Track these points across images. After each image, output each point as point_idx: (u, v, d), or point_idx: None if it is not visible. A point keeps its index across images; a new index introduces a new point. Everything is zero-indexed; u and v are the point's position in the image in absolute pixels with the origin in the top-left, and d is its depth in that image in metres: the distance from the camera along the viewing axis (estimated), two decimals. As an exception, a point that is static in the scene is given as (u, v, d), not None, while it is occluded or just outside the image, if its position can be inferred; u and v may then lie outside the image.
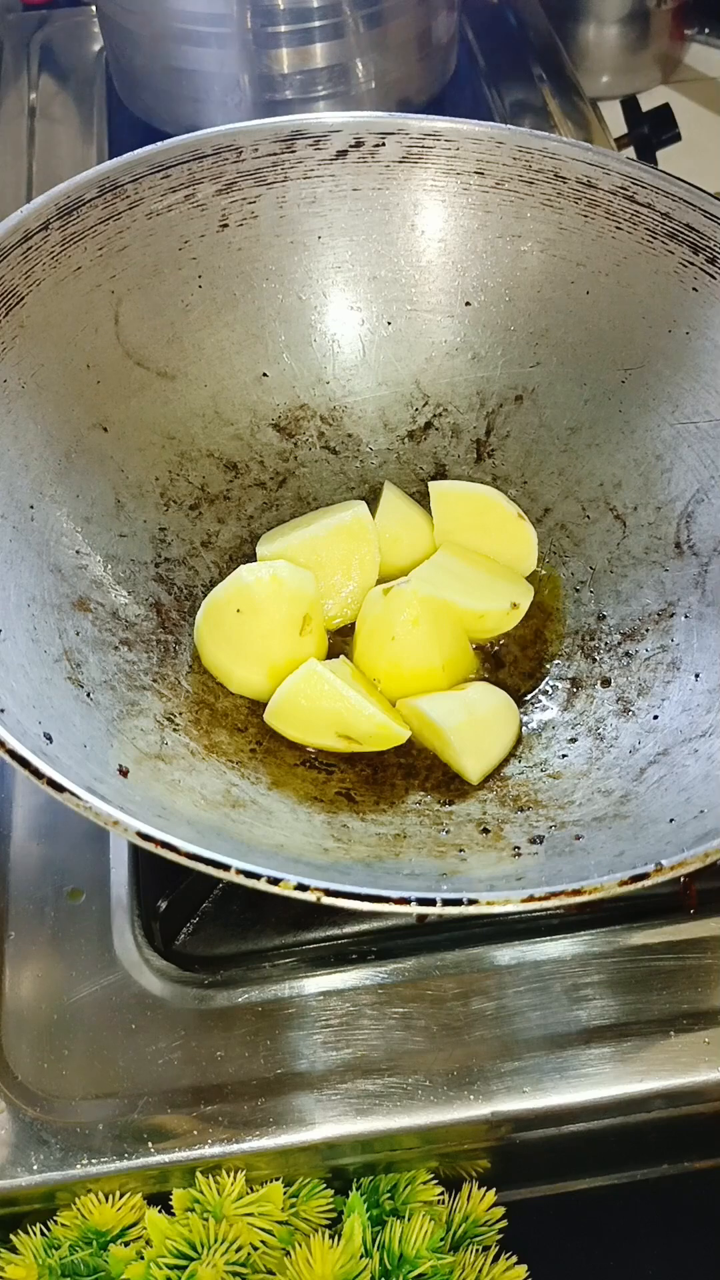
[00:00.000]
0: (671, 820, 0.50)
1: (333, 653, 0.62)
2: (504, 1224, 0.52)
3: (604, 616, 0.62)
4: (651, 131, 1.03)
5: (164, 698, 0.58)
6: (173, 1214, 0.50)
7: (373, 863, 0.52)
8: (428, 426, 0.69)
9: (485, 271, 0.67)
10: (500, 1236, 0.52)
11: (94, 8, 1.09)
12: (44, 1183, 0.50)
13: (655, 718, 0.57)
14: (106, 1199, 0.50)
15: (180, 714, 0.57)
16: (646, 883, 0.43)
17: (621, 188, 0.64)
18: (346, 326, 0.68)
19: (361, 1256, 0.49)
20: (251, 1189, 0.50)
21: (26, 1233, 0.51)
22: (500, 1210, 0.52)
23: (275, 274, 0.67)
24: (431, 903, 0.41)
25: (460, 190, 0.67)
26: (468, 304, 0.68)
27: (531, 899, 0.42)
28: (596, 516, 0.65)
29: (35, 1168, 0.50)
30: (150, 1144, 0.50)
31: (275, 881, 0.42)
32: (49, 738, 0.48)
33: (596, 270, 0.65)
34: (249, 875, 0.42)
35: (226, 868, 0.42)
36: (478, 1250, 0.51)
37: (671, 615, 0.60)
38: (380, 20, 0.88)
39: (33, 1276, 0.49)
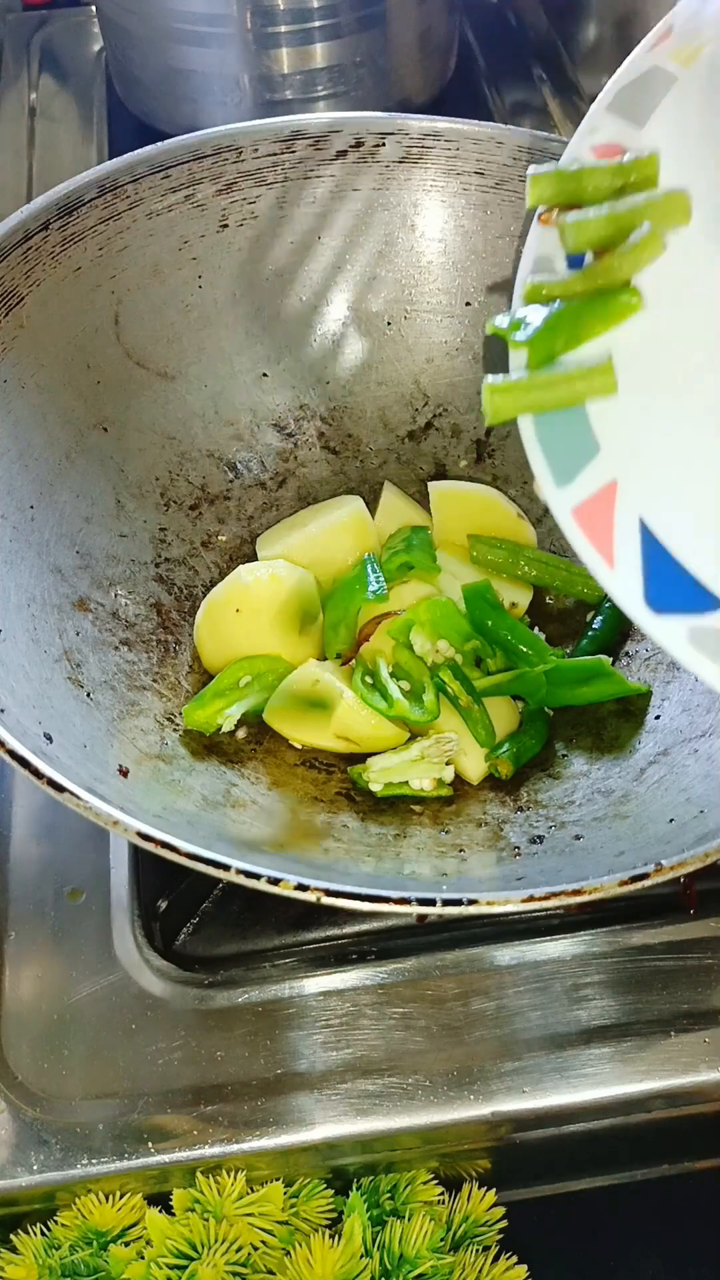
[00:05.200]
0: (671, 820, 0.50)
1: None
2: (504, 1224, 0.52)
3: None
4: (651, 131, 1.02)
5: (164, 698, 0.58)
6: (173, 1214, 0.50)
7: (373, 863, 0.52)
8: (428, 426, 0.69)
9: (485, 271, 0.67)
10: (500, 1236, 0.52)
11: (94, 8, 1.09)
12: (44, 1183, 0.50)
13: (656, 718, 0.57)
14: (106, 1199, 0.50)
15: (180, 714, 0.57)
16: (646, 883, 0.43)
17: (621, 188, 0.64)
18: (346, 326, 0.69)
19: (361, 1256, 0.49)
20: (252, 1189, 0.50)
21: (26, 1233, 0.51)
22: (500, 1210, 0.52)
23: (275, 274, 0.67)
24: (431, 903, 0.41)
25: (460, 190, 0.67)
26: (468, 304, 0.68)
27: (531, 899, 0.42)
28: (596, 516, 0.65)
29: (35, 1168, 0.50)
30: (150, 1144, 0.50)
31: (275, 881, 0.42)
32: (49, 738, 0.48)
33: (596, 270, 0.65)
34: (249, 875, 0.42)
35: (226, 868, 0.42)
36: (478, 1250, 0.51)
37: (671, 615, 0.60)
38: (380, 20, 0.88)
39: (33, 1276, 0.49)
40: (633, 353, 0.44)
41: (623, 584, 0.40)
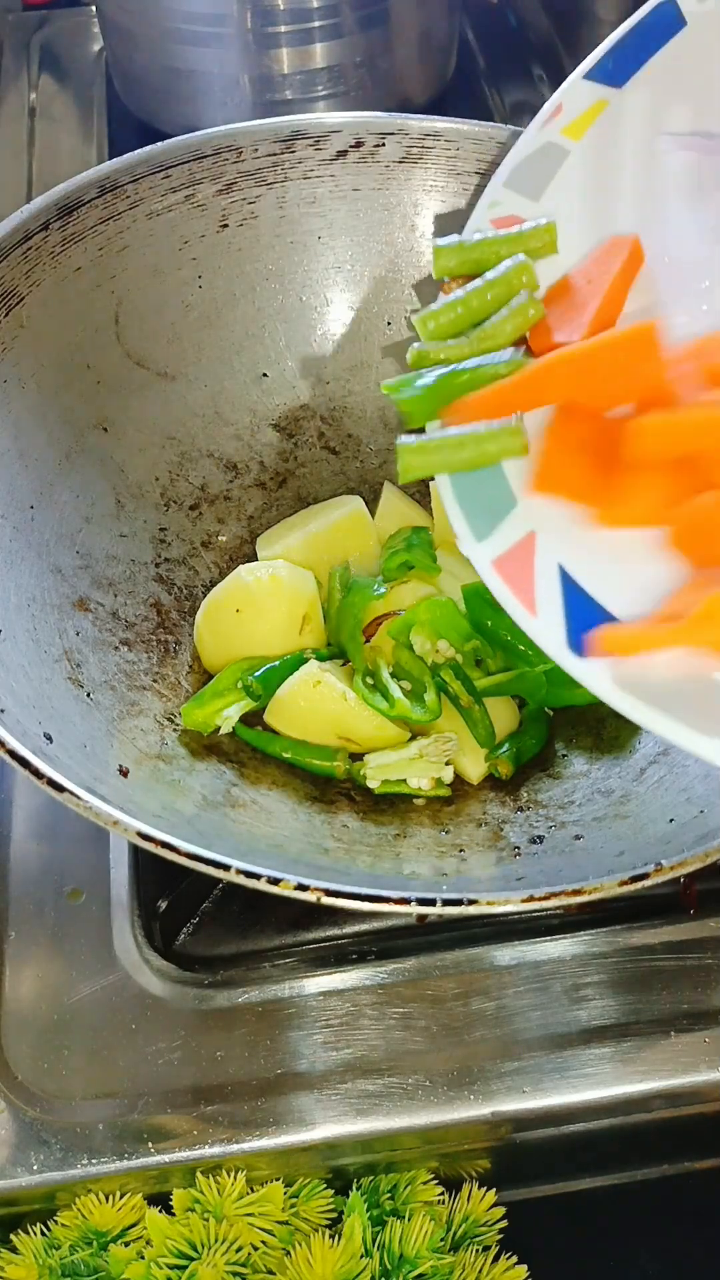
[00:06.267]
0: (671, 820, 0.50)
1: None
2: (504, 1224, 0.52)
3: (604, 616, 0.62)
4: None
5: (164, 698, 0.58)
6: (173, 1214, 0.50)
7: (373, 863, 0.52)
8: (428, 426, 0.69)
9: (485, 271, 0.67)
10: (500, 1236, 0.52)
11: (94, 8, 1.09)
12: (44, 1183, 0.50)
13: (655, 718, 0.57)
14: (106, 1199, 0.50)
15: (180, 714, 0.57)
16: (646, 883, 0.43)
17: (621, 188, 0.64)
18: (346, 326, 0.69)
19: (361, 1256, 0.49)
20: (252, 1189, 0.50)
21: (27, 1233, 0.51)
22: (500, 1210, 0.52)
23: (275, 274, 0.67)
24: (431, 903, 0.41)
25: (460, 190, 0.67)
26: (468, 304, 0.68)
27: (531, 899, 0.42)
28: (596, 516, 0.65)
29: (35, 1168, 0.50)
30: (150, 1144, 0.50)
31: (275, 881, 0.42)
32: (49, 738, 0.48)
33: (596, 270, 0.65)
34: (249, 875, 0.42)
35: (226, 868, 0.42)
36: (478, 1250, 0.51)
37: (671, 615, 0.60)
38: (380, 20, 0.88)
39: (33, 1276, 0.49)
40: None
41: (545, 630, 0.41)
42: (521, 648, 0.59)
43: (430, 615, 0.59)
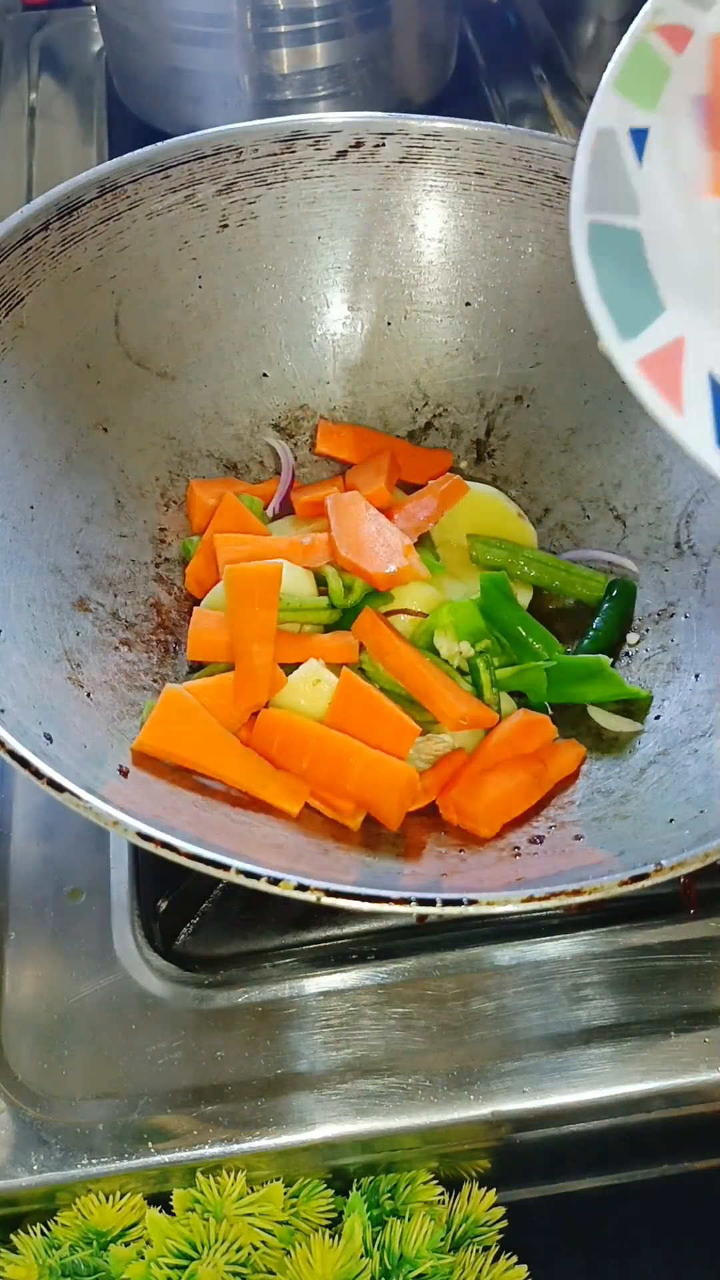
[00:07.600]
0: (671, 820, 0.50)
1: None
2: (504, 1224, 0.52)
3: (604, 616, 0.62)
4: (651, 131, 1.02)
5: (164, 698, 0.58)
6: (173, 1214, 0.50)
7: (373, 862, 0.52)
8: (428, 426, 0.69)
9: (485, 272, 0.67)
10: (500, 1236, 0.52)
11: (94, 8, 1.09)
12: (44, 1183, 0.50)
13: (656, 718, 0.57)
14: (107, 1199, 0.50)
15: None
16: (646, 883, 0.43)
17: (621, 188, 0.64)
18: (346, 326, 0.69)
19: (362, 1256, 0.49)
20: (252, 1189, 0.50)
21: (27, 1233, 0.51)
22: (500, 1210, 0.52)
23: (275, 274, 0.67)
24: (431, 903, 0.41)
25: (460, 190, 0.67)
26: (468, 304, 0.68)
27: (531, 899, 0.42)
28: (596, 516, 0.65)
29: (35, 1168, 0.50)
30: (150, 1144, 0.50)
31: (275, 881, 0.42)
32: (49, 738, 0.48)
33: (596, 270, 0.65)
34: (249, 875, 0.42)
35: (226, 868, 0.42)
36: (478, 1250, 0.51)
37: (671, 615, 0.60)
38: (380, 20, 0.88)
39: (33, 1276, 0.49)
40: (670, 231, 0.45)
41: (692, 429, 0.41)
42: (532, 641, 0.59)
43: (454, 618, 0.59)
